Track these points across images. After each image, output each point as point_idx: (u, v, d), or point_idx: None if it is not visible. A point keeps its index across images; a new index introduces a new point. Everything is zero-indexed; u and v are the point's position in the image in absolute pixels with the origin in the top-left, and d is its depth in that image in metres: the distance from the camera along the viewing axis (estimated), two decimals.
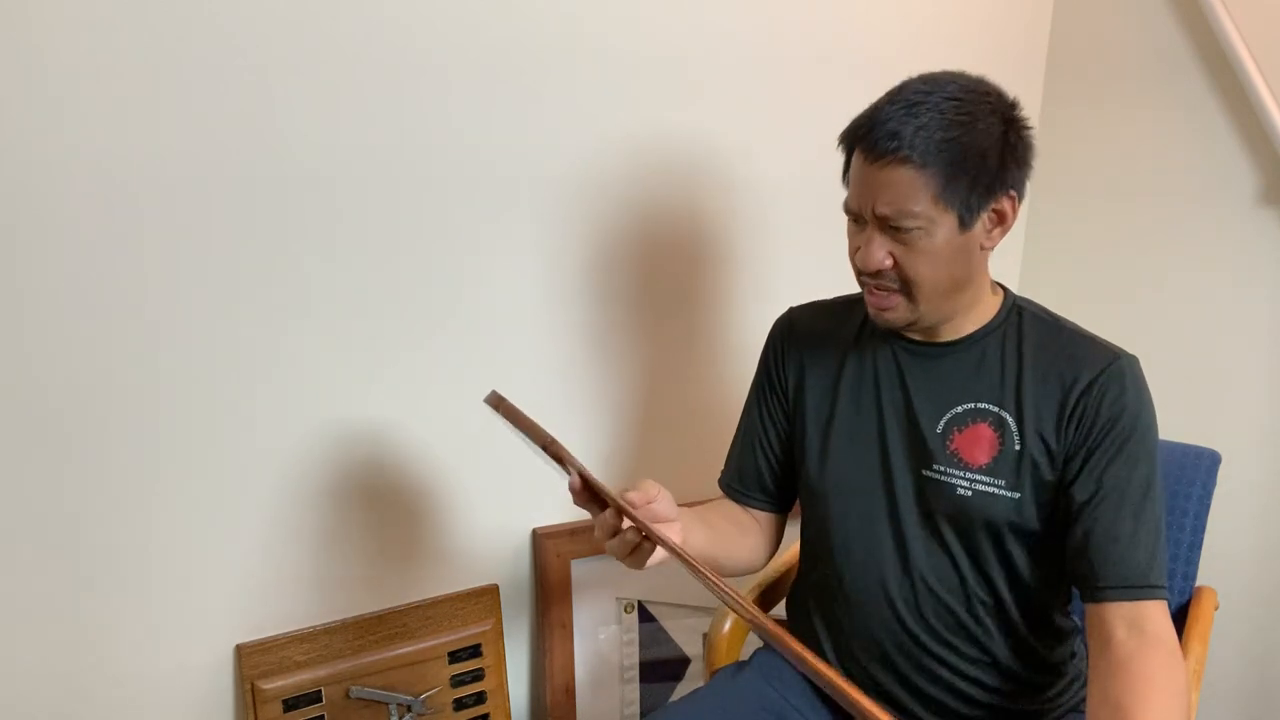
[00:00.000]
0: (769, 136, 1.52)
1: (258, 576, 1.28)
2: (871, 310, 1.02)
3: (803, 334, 1.15)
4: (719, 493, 1.22)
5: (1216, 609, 1.20)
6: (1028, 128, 0.98)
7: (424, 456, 1.37)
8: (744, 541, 1.15)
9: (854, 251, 1.01)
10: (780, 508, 1.20)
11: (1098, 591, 0.95)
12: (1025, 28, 1.74)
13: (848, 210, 1.00)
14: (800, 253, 1.60)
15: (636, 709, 1.59)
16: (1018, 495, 0.99)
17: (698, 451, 1.55)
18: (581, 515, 1.50)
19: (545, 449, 0.96)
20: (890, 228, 0.95)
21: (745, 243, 1.56)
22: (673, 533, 0.97)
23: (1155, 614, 0.93)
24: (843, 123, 1.56)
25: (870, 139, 0.95)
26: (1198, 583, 1.21)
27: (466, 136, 1.29)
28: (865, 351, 1.09)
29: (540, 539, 1.47)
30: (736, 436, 1.21)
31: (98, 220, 1.10)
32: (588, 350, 1.46)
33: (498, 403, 0.99)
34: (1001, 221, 0.98)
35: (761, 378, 1.19)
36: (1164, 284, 1.64)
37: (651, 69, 1.40)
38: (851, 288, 1.16)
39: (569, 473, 0.94)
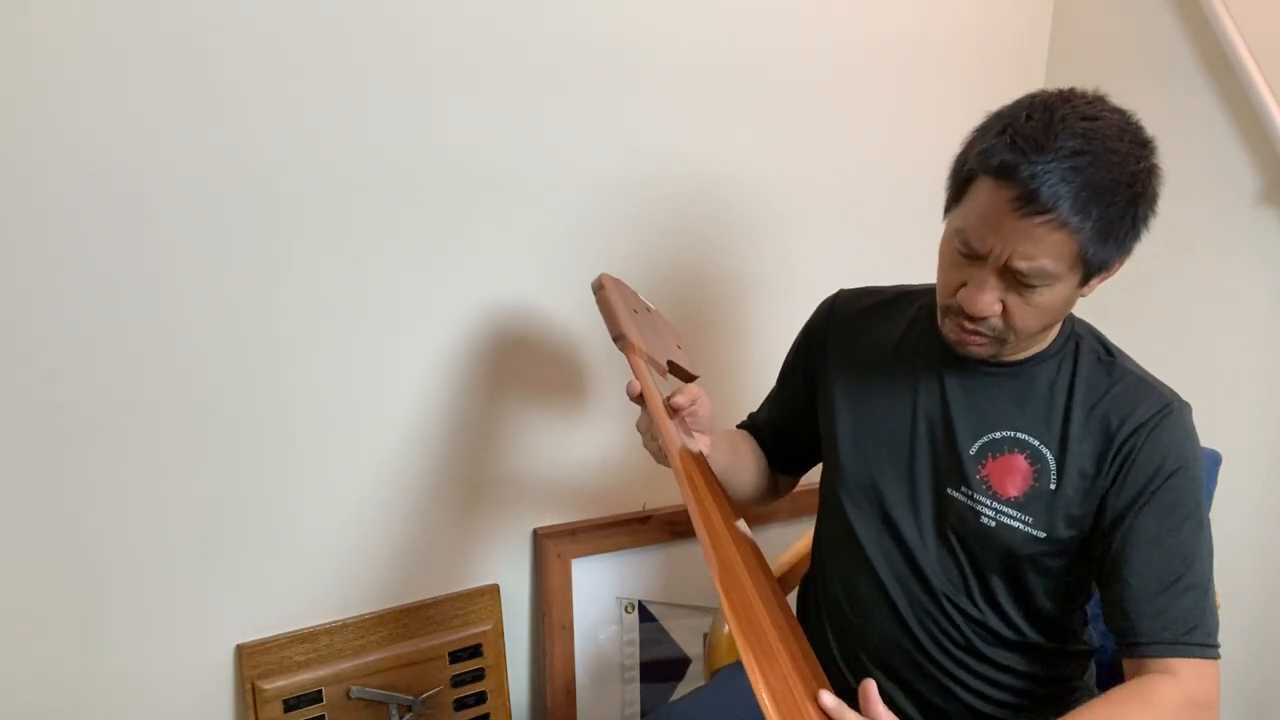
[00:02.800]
0: (788, 137, 1.53)
1: (258, 576, 1.28)
2: (952, 338, 0.96)
3: (843, 322, 1.12)
4: None
5: (1217, 609, 1.19)
6: (1161, 177, 0.90)
7: (425, 457, 1.37)
8: (756, 478, 1.18)
9: (956, 287, 0.92)
10: (783, 469, 1.23)
11: (1134, 648, 0.91)
12: (1025, 28, 1.74)
13: (965, 241, 0.90)
14: (823, 253, 1.60)
15: (637, 709, 1.59)
16: (1044, 535, 0.96)
17: None
18: (581, 515, 1.51)
19: (615, 340, 1.05)
20: (1015, 279, 0.88)
21: (769, 243, 1.56)
22: (702, 444, 1.04)
23: (1183, 668, 0.89)
24: (857, 121, 1.59)
25: (1027, 187, 0.83)
26: None
27: (492, 143, 1.29)
28: (910, 355, 1.05)
29: (541, 539, 1.47)
30: (768, 399, 1.24)
31: (111, 216, 1.10)
32: (607, 351, 1.46)
33: (598, 288, 1.11)
34: (1109, 275, 0.93)
35: (789, 366, 1.19)
36: (1164, 284, 1.64)
37: (667, 75, 1.40)
38: (884, 281, 1.16)
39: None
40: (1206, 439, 1.22)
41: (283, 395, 1.25)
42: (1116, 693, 0.90)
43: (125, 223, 1.11)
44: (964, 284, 0.91)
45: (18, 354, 1.09)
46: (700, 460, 1.02)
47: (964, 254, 0.91)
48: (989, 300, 0.90)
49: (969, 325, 0.93)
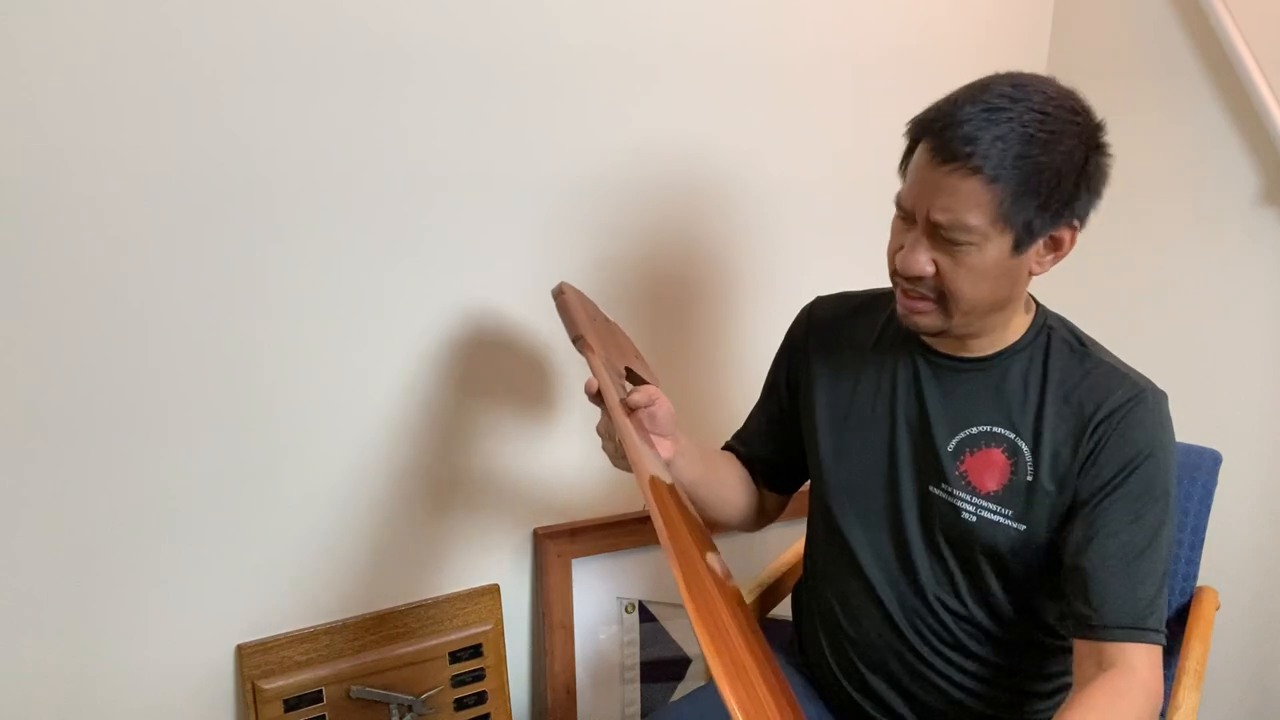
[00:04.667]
0: (775, 138, 1.52)
1: (258, 576, 1.28)
2: (901, 310, 0.97)
3: (822, 329, 1.12)
4: None
5: (1217, 609, 1.20)
6: (1109, 155, 0.92)
7: (425, 457, 1.37)
8: (737, 498, 1.15)
9: (895, 250, 0.95)
10: (773, 486, 1.19)
11: (1092, 630, 0.92)
12: (1025, 28, 1.74)
13: (899, 204, 0.94)
14: (809, 255, 1.60)
15: (637, 709, 1.59)
16: (1023, 527, 0.96)
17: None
18: (582, 515, 1.51)
19: (574, 342, 1.03)
20: (941, 236, 0.90)
21: (755, 245, 1.56)
22: (664, 448, 1.01)
23: (1135, 654, 0.90)
24: (847, 123, 1.59)
25: (942, 137, 0.87)
26: (1198, 583, 1.21)
27: (489, 140, 1.29)
28: (886, 355, 1.06)
29: (541, 539, 1.47)
30: (752, 414, 1.22)
31: (93, 217, 1.10)
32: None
33: (558, 294, 1.10)
34: (1057, 249, 0.93)
35: (774, 376, 1.18)
36: (1164, 284, 1.64)
37: (657, 73, 1.40)
38: (870, 284, 1.16)
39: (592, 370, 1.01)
40: (1207, 439, 1.22)
41: (283, 396, 1.25)
42: (1095, 696, 0.89)
43: (107, 224, 1.11)
44: (901, 249, 0.94)
45: (11, 353, 1.09)
46: (671, 489, 0.98)
47: (902, 218, 0.95)
48: (920, 259, 0.91)
49: (907, 288, 0.95)
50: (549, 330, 1.42)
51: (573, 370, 1.45)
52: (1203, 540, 1.21)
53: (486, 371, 1.38)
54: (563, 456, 1.48)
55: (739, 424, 1.24)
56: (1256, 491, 1.52)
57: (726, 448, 1.22)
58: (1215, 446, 1.21)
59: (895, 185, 1.70)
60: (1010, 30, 1.72)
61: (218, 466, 1.23)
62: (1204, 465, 1.21)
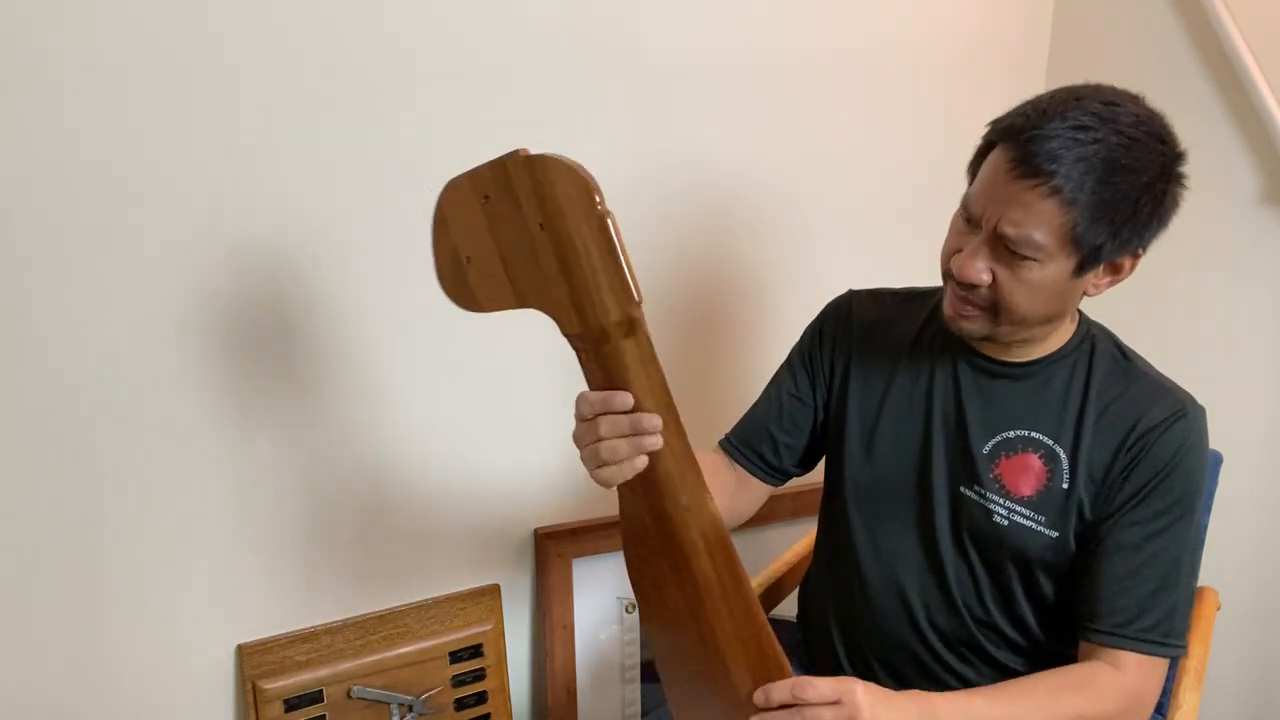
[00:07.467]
0: (778, 141, 1.52)
1: (259, 576, 1.28)
2: (948, 313, 0.96)
3: (860, 322, 1.10)
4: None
5: (1218, 609, 1.20)
6: (1184, 186, 0.91)
7: (426, 458, 1.37)
8: (718, 498, 1.08)
9: (952, 251, 0.93)
10: (772, 478, 1.14)
11: (1090, 632, 0.93)
12: (1025, 28, 1.74)
13: (966, 206, 0.92)
14: (822, 256, 1.60)
15: (638, 709, 1.59)
16: (1056, 534, 0.96)
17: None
18: (582, 515, 1.51)
19: (638, 305, 0.74)
20: (1004, 248, 0.88)
21: (761, 247, 1.56)
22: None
23: (1127, 659, 0.91)
24: (848, 123, 1.58)
25: (1025, 149, 0.85)
26: (1198, 583, 1.21)
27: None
28: (924, 354, 1.05)
29: (542, 539, 1.47)
30: (758, 401, 1.15)
31: (86, 218, 1.10)
32: None
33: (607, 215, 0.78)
34: (1116, 274, 0.93)
35: (801, 354, 1.13)
36: (1164, 284, 1.64)
37: (678, 76, 1.40)
38: (895, 283, 1.15)
39: None
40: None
41: (284, 397, 1.25)
42: (1057, 675, 0.92)
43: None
44: (959, 252, 0.92)
45: (21, 355, 1.09)
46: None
47: (966, 219, 0.92)
48: (977, 267, 0.90)
49: (959, 293, 0.93)
50: (551, 330, 1.42)
51: (572, 368, 1.45)
52: (1203, 540, 1.21)
53: (485, 372, 1.38)
54: (563, 456, 1.48)
55: None
56: (1256, 491, 1.52)
57: (722, 443, 1.17)
58: (1215, 447, 1.21)
59: (902, 184, 1.71)
60: (1010, 30, 1.72)
61: (219, 467, 1.23)
62: None
